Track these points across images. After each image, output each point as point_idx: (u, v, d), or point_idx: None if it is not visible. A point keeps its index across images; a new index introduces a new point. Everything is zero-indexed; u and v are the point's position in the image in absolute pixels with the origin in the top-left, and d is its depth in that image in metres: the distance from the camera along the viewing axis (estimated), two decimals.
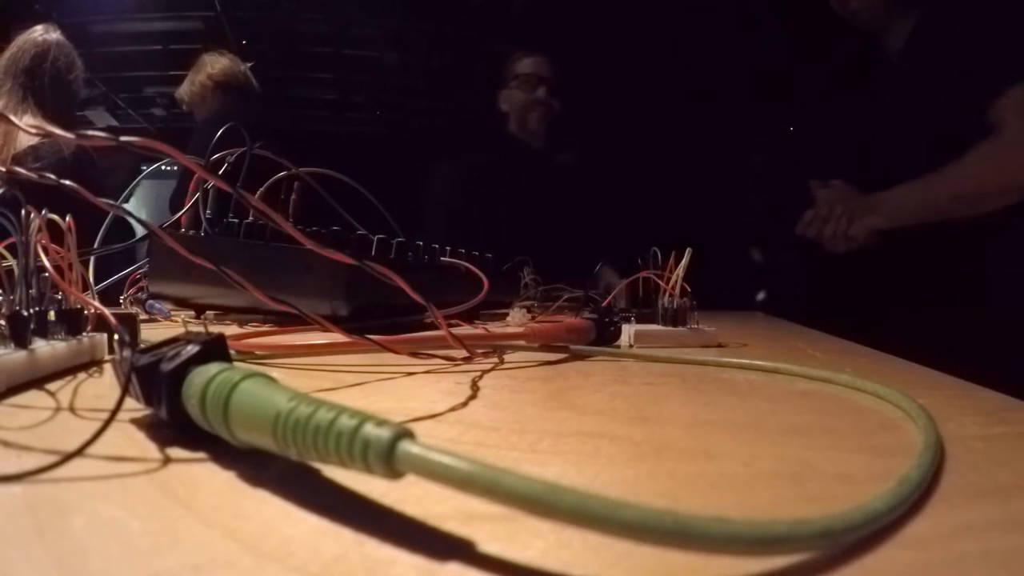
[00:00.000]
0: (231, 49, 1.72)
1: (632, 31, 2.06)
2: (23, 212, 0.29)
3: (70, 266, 0.32)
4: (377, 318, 0.49)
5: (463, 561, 0.13)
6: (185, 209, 0.64)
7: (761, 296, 1.70)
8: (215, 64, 1.63)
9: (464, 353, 0.39)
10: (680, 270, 0.51)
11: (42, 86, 1.27)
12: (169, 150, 0.27)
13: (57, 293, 0.32)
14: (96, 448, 0.18)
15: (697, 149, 1.74)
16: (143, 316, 0.57)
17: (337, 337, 0.35)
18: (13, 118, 0.28)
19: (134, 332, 0.36)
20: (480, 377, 0.34)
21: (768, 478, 0.19)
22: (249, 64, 1.69)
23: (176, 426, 0.19)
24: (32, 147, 1.18)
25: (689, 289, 0.52)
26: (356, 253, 0.47)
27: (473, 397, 0.29)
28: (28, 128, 0.28)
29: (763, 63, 1.88)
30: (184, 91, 1.66)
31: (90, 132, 0.27)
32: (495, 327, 0.55)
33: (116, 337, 0.23)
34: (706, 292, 0.55)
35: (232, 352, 0.20)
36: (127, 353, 0.21)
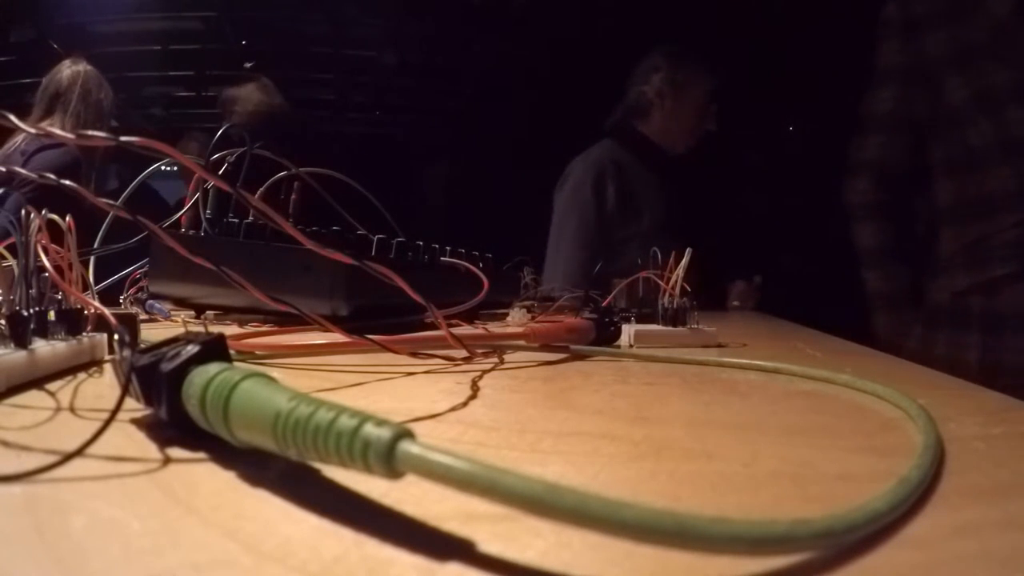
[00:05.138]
0: (232, 50, 1.70)
1: (629, 30, 2.06)
2: (23, 212, 0.29)
3: (70, 266, 0.32)
4: (377, 318, 0.49)
5: (463, 561, 0.13)
6: (185, 209, 0.64)
7: (757, 279, 1.68)
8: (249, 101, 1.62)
9: (464, 353, 0.39)
10: (680, 270, 0.51)
11: (68, 103, 1.41)
12: (169, 150, 0.27)
13: (57, 293, 0.32)
14: (96, 448, 0.18)
15: (696, 149, 1.74)
16: (143, 316, 0.57)
17: (337, 337, 0.35)
18: (12, 117, 0.27)
19: (134, 332, 0.36)
20: (480, 377, 0.34)
21: (768, 478, 0.19)
22: (249, 64, 1.67)
23: (176, 426, 0.19)
24: None
25: (689, 289, 0.52)
26: (356, 253, 0.47)
27: (473, 397, 0.29)
28: (29, 128, 0.28)
29: (762, 63, 1.89)
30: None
31: (90, 132, 0.27)
32: (495, 327, 0.55)
33: (116, 337, 0.23)
34: (706, 292, 0.55)
35: (232, 352, 0.20)
36: (127, 353, 0.21)
